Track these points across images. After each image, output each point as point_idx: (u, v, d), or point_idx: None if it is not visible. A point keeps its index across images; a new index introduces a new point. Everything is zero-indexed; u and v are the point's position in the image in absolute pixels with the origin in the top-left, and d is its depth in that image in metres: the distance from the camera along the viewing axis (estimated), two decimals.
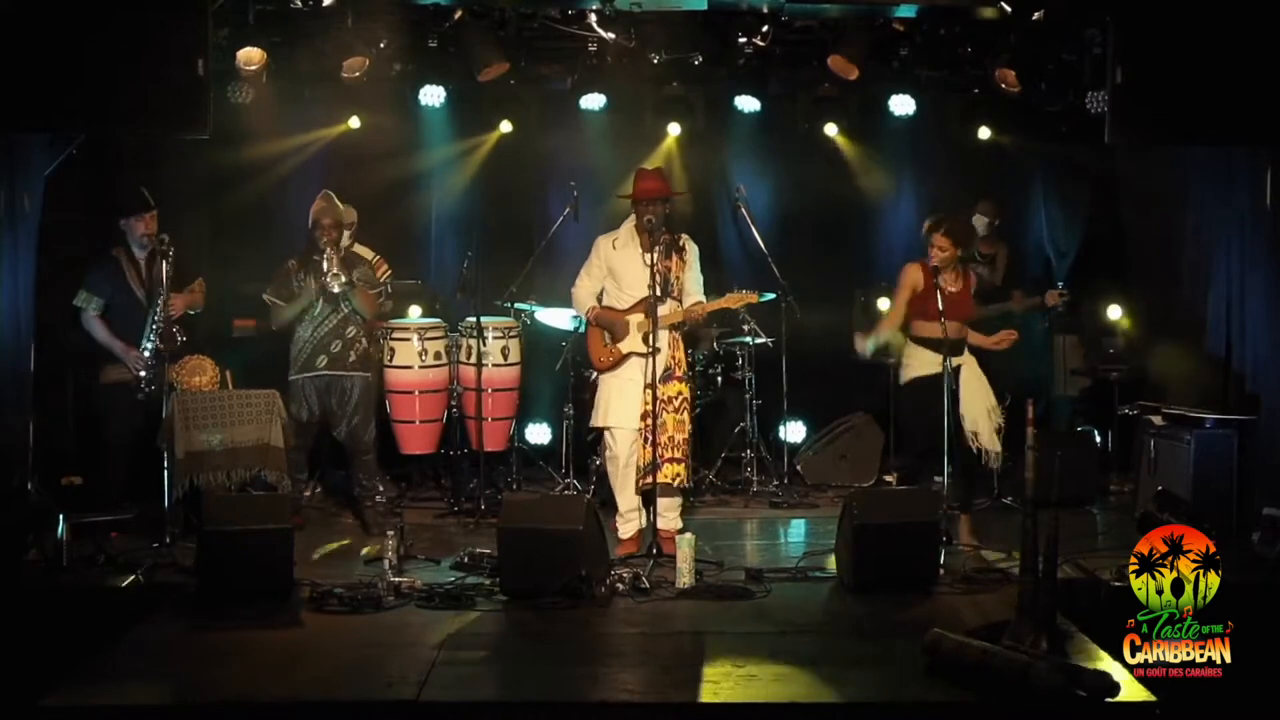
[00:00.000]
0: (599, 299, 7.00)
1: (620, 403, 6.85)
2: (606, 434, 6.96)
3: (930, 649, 5.06)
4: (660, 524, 6.81)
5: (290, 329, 7.47)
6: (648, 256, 6.74)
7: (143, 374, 7.14)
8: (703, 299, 6.96)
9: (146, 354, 7.16)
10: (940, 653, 5.02)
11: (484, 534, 7.07)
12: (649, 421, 6.68)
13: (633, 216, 6.93)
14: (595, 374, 7.12)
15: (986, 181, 9.11)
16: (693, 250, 7.00)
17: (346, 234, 7.61)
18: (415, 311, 8.70)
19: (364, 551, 6.85)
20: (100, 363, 7.32)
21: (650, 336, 6.70)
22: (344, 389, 7.44)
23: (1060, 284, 8.66)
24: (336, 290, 7.29)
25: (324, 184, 7.73)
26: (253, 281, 7.93)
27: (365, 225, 8.04)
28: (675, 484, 6.82)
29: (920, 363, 7.09)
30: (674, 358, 6.88)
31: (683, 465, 6.82)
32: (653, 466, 6.67)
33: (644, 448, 6.71)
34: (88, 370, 7.43)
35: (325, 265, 7.27)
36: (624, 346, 6.88)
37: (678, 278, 6.88)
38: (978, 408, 7.03)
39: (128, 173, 7.79)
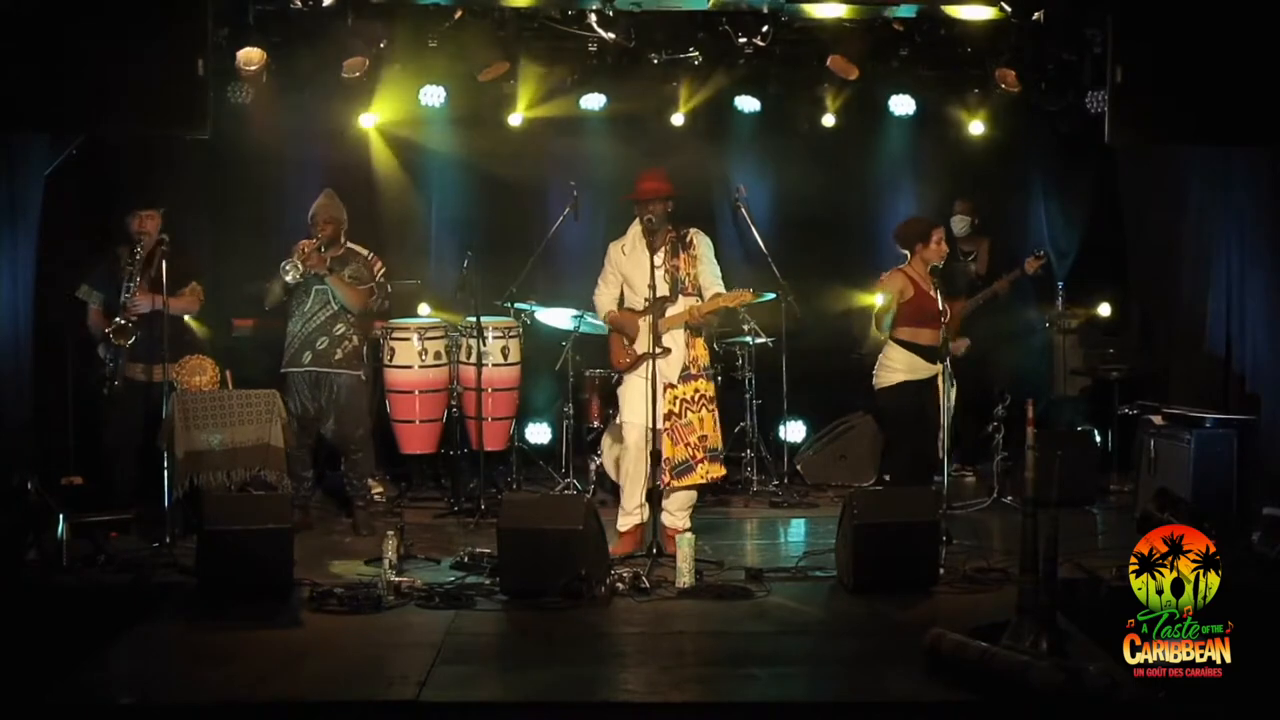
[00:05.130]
0: (619, 304, 7.02)
1: (634, 399, 6.87)
2: (623, 426, 6.98)
3: (930, 649, 5.06)
4: (669, 521, 6.83)
5: (283, 317, 7.45)
6: (657, 257, 6.76)
7: (109, 364, 7.10)
8: (722, 290, 6.93)
9: (109, 345, 7.14)
10: (940, 653, 5.02)
11: (484, 534, 7.07)
12: (672, 421, 6.74)
13: (638, 219, 6.94)
14: (618, 375, 7.12)
15: (987, 181, 9.13)
16: (702, 243, 6.97)
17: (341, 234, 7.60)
18: (424, 309, 8.71)
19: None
20: (96, 360, 7.32)
21: (655, 337, 6.72)
22: (331, 386, 7.40)
23: (1039, 250, 8.69)
24: (290, 279, 7.23)
25: (323, 183, 7.74)
26: (253, 281, 7.93)
27: (366, 225, 8.04)
28: (707, 480, 6.92)
29: (907, 368, 7.09)
30: (690, 356, 6.89)
31: (717, 463, 6.92)
32: (656, 467, 6.68)
33: (674, 447, 6.75)
34: (88, 369, 7.42)
35: (293, 254, 7.23)
36: (638, 348, 6.89)
37: (688, 274, 6.87)
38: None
39: (128, 171, 7.79)
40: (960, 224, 8.80)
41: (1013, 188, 9.40)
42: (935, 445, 6.92)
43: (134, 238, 7.25)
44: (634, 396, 6.88)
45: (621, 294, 7.02)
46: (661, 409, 6.74)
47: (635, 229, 6.94)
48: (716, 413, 6.95)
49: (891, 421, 7.56)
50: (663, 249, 6.79)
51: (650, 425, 6.70)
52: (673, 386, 6.78)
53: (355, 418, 7.50)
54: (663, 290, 6.77)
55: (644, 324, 6.86)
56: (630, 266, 6.91)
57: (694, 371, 6.90)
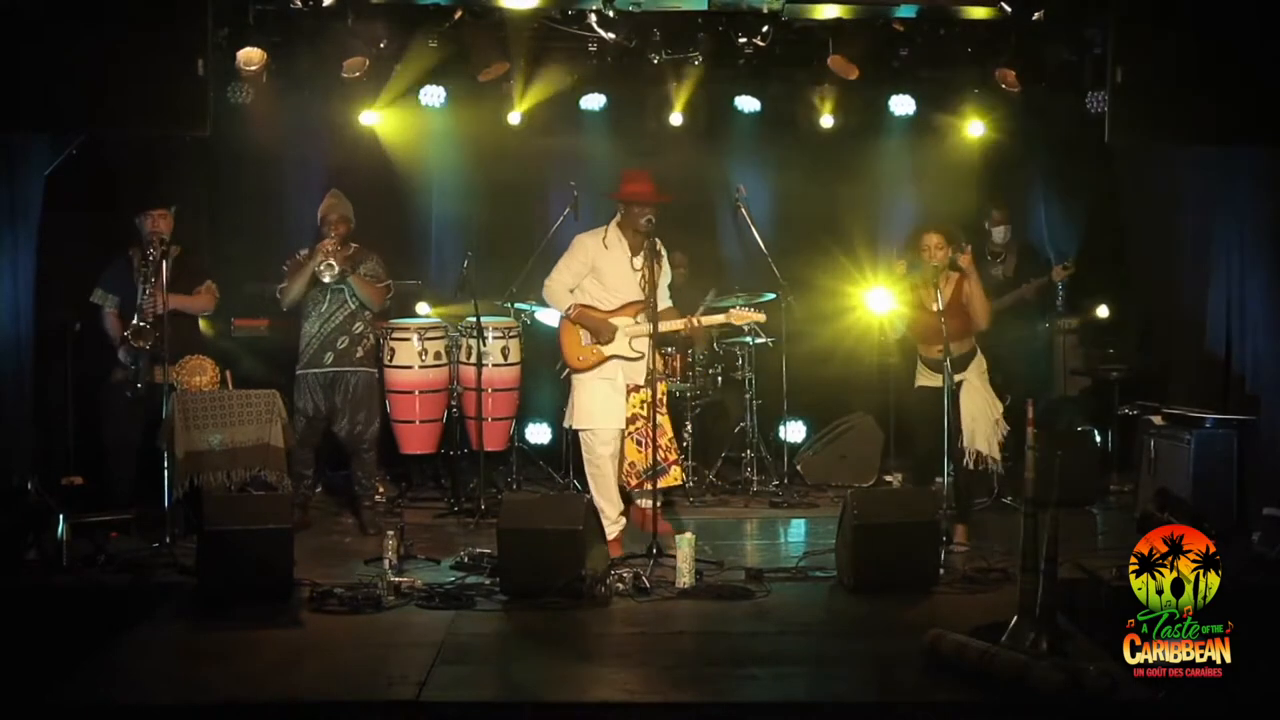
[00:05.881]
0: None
1: (603, 404, 6.84)
2: (587, 435, 6.89)
3: (930, 649, 5.07)
4: (643, 503, 6.86)
5: (298, 317, 7.46)
6: (637, 260, 6.76)
7: (131, 367, 7.09)
8: (669, 304, 7.00)
9: (129, 350, 7.12)
10: (940, 653, 5.03)
11: (484, 534, 7.07)
12: (640, 424, 6.74)
13: (618, 216, 6.92)
14: (568, 372, 7.09)
15: (985, 182, 9.11)
16: (664, 255, 7.02)
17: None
18: (424, 309, 8.71)
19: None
20: (111, 363, 7.31)
21: (635, 340, 6.74)
22: (348, 384, 7.42)
23: (1064, 260, 8.72)
24: (327, 280, 7.25)
25: (324, 183, 7.75)
26: (254, 281, 7.92)
27: (366, 225, 8.03)
28: (679, 483, 6.94)
29: (924, 375, 7.10)
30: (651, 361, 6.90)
31: (679, 467, 6.99)
32: (652, 469, 6.67)
33: (639, 451, 6.76)
34: (94, 370, 7.42)
35: (319, 255, 7.25)
36: (608, 349, 6.85)
37: (655, 283, 6.89)
38: (981, 421, 6.98)
39: (129, 171, 7.79)
40: (1001, 233, 8.79)
41: (1013, 188, 9.39)
42: (940, 452, 6.91)
43: (147, 238, 7.24)
44: (601, 400, 6.83)
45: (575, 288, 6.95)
46: (626, 412, 6.74)
47: (615, 226, 6.91)
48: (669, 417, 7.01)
49: (907, 420, 7.58)
50: (641, 253, 6.79)
51: (651, 427, 6.69)
52: (638, 390, 6.78)
53: (370, 416, 7.52)
54: (641, 294, 6.76)
55: (619, 325, 6.84)
56: (609, 263, 6.86)
57: (656, 375, 6.88)
